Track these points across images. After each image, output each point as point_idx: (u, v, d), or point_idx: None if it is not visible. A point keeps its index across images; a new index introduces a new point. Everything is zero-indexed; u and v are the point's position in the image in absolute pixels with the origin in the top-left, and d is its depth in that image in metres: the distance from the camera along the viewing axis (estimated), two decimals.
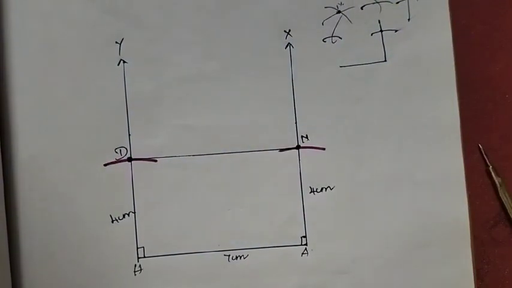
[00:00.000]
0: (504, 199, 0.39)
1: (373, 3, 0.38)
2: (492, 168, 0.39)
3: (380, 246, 0.38)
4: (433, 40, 0.38)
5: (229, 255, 0.38)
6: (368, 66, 0.38)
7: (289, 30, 0.39)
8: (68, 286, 0.38)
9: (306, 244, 0.38)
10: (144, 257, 0.38)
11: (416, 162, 0.38)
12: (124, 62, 0.38)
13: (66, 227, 0.38)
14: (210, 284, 0.38)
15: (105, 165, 0.38)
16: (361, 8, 0.39)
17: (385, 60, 0.38)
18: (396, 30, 0.38)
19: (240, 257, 0.38)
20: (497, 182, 0.39)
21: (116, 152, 0.38)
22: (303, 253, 0.38)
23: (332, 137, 0.38)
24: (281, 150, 0.39)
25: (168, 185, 0.38)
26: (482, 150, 0.39)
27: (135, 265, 0.38)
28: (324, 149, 0.39)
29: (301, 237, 0.38)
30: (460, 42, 0.39)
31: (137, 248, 0.38)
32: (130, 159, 0.38)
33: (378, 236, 0.38)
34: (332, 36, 0.38)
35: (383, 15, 0.38)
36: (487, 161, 0.39)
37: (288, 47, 0.39)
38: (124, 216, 0.38)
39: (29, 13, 0.38)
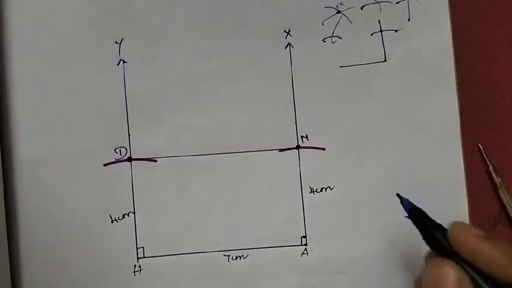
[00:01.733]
0: (504, 199, 0.39)
1: (373, 3, 0.38)
2: (492, 168, 0.39)
3: (380, 246, 0.38)
4: (433, 40, 0.38)
5: (229, 255, 0.38)
6: (368, 66, 0.38)
7: (289, 30, 0.39)
8: (67, 286, 0.38)
9: (305, 244, 0.38)
10: (144, 257, 0.38)
11: (416, 162, 0.38)
12: (124, 62, 0.38)
13: (66, 227, 0.38)
14: (210, 284, 0.38)
15: (104, 165, 0.38)
16: (361, 8, 0.39)
17: (385, 60, 0.38)
18: (396, 30, 0.39)
19: (240, 257, 0.38)
20: (497, 182, 0.39)
21: (116, 152, 0.38)
22: (302, 253, 0.38)
23: (332, 137, 0.38)
24: (281, 150, 0.38)
25: (168, 185, 0.38)
26: (482, 150, 0.39)
27: (135, 265, 0.38)
28: (324, 149, 0.39)
29: (301, 237, 0.38)
30: (460, 42, 0.39)
31: (137, 248, 0.38)
32: (130, 159, 0.38)
33: (378, 236, 0.38)
34: (332, 36, 0.39)
35: (383, 15, 0.38)
36: (487, 161, 0.39)
37: (288, 47, 0.39)
38: (124, 216, 0.38)
39: (29, 13, 0.38)
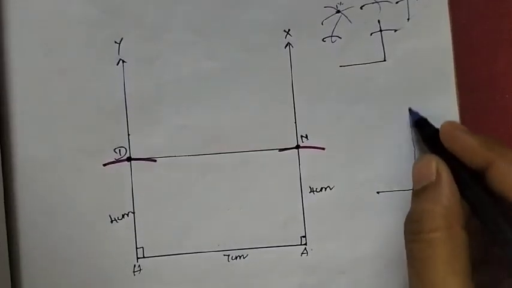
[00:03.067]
0: None
1: (373, 3, 0.38)
2: None
3: (380, 246, 0.38)
4: (433, 40, 0.38)
5: (229, 255, 0.38)
6: (368, 66, 0.38)
7: (289, 30, 0.39)
8: (67, 286, 0.38)
9: (305, 244, 0.38)
10: (144, 257, 0.38)
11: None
12: (123, 61, 0.38)
13: (66, 227, 0.38)
14: (209, 284, 0.38)
15: (104, 165, 0.38)
16: (361, 8, 0.39)
17: (385, 60, 0.38)
18: (396, 30, 0.39)
19: (240, 257, 0.38)
20: None
21: (115, 152, 0.38)
22: (302, 253, 0.38)
23: (332, 137, 0.38)
24: (281, 150, 0.38)
25: (168, 185, 0.38)
26: None
27: (135, 265, 0.38)
28: (323, 149, 0.38)
29: (301, 237, 0.38)
30: (460, 42, 0.39)
31: (136, 248, 0.38)
32: (129, 159, 0.38)
33: (378, 236, 0.38)
34: (331, 36, 0.39)
35: (382, 15, 0.38)
36: None
37: (288, 46, 0.39)
38: (123, 216, 0.38)
39: (29, 13, 0.38)
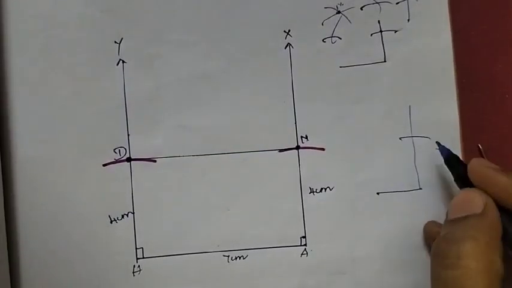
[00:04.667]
0: None
1: (373, 3, 0.38)
2: None
3: (379, 246, 0.38)
4: (433, 40, 0.38)
5: (228, 256, 0.38)
6: (368, 66, 0.38)
7: (289, 30, 0.39)
8: (66, 286, 0.38)
9: (305, 244, 0.38)
10: (143, 257, 0.38)
11: (416, 162, 0.38)
12: (123, 62, 0.38)
13: (65, 228, 0.38)
14: (209, 284, 0.38)
15: (104, 165, 0.38)
16: (361, 9, 0.38)
17: (385, 61, 0.38)
18: (396, 31, 0.38)
19: (240, 258, 0.38)
20: None
21: (115, 152, 0.38)
22: (302, 253, 0.38)
23: (332, 137, 0.38)
24: (281, 150, 0.38)
25: (168, 185, 0.38)
26: (482, 150, 0.39)
27: (134, 266, 0.38)
28: (323, 149, 0.38)
29: (301, 238, 0.38)
30: (460, 42, 0.39)
31: (136, 249, 0.38)
32: (129, 160, 0.38)
33: (378, 237, 0.38)
34: (332, 37, 0.38)
35: (383, 15, 0.38)
36: None
37: (288, 47, 0.39)
38: (123, 216, 0.38)
39: (29, 13, 0.38)
